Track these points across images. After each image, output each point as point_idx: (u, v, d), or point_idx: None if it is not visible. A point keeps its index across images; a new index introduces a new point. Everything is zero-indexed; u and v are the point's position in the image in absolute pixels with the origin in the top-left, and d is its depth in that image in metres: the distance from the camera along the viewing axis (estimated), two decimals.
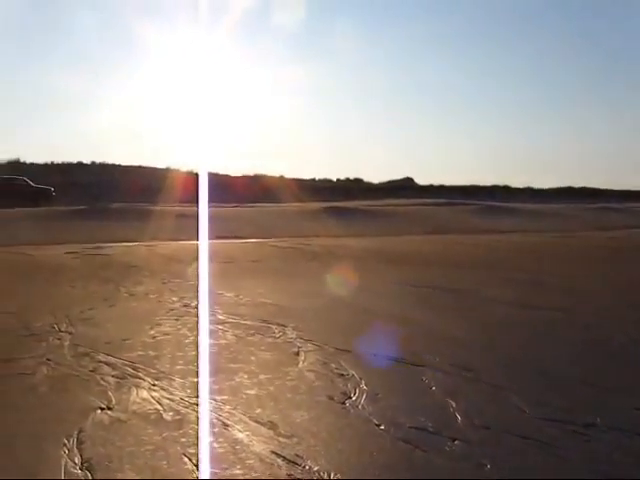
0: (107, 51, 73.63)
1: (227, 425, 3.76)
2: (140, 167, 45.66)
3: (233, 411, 4.00)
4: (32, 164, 42.56)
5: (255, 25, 65.27)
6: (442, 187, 62.62)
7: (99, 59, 69.18)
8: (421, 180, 67.74)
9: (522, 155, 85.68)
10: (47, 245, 15.82)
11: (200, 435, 3.60)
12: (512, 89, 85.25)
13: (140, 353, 5.40)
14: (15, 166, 41.14)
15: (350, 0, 74.80)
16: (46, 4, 70.03)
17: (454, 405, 4.15)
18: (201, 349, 5.52)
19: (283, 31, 72.40)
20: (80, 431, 3.63)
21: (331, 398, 4.30)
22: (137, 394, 4.32)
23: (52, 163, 43.59)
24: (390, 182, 63.91)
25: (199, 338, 5.88)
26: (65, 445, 3.44)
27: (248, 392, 4.41)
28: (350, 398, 4.30)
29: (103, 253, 14.01)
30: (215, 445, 3.48)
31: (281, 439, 3.58)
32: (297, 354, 5.46)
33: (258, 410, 4.03)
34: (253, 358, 5.31)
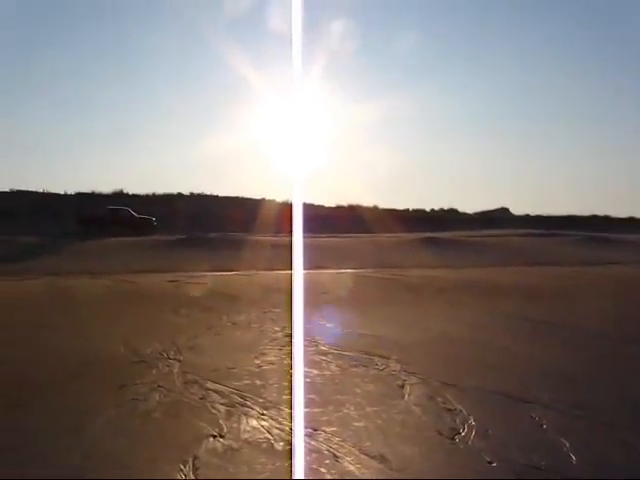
0: (206, 86, 75.78)
1: (337, 457, 3.77)
2: (237, 198, 46.68)
3: (342, 443, 4.01)
4: (135, 195, 44.19)
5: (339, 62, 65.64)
6: (539, 217, 61.05)
7: (198, 96, 71.24)
8: (517, 210, 66.30)
9: (624, 183, 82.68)
10: (149, 273, 16.29)
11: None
12: (613, 116, 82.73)
13: (247, 382, 5.48)
14: (119, 197, 42.86)
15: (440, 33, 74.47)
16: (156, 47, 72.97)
17: (567, 444, 4.03)
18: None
19: (368, 62, 72.83)
20: (195, 457, 3.71)
21: (440, 433, 4.26)
22: (247, 423, 4.39)
23: (153, 194, 45.14)
24: (485, 212, 62.88)
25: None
26: (182, 470, 3.53)
27: (356, 424, 4.41)
28: (459, 433, 4.24)
29: (203, 282, 14.30)
30: (327, 477, 3.49)
31: (392, 473, 3.56)
32: (402, 387, 5.42)
33: (367, 443, 4.03)
34: (358, 390, 5.30)
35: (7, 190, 44.25)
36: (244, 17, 67.70)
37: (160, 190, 46.42)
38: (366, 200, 53.33)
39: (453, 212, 61.27)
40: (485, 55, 77.62)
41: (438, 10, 68.63)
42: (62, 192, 45.20)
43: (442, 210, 62.23)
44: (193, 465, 3.60)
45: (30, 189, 44.59)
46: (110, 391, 5.17)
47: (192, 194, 46.82)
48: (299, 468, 3.59)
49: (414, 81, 73.06)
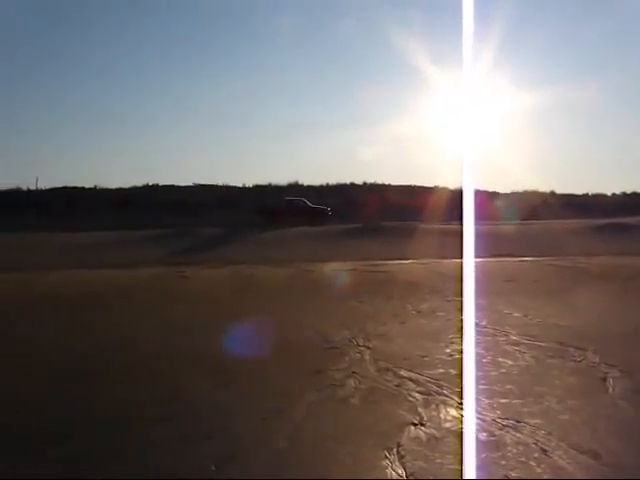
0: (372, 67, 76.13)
1: (546, 451, 3.61)
2: (409, 186, 46.57)
3: (549, 436, 3.84)
4: (309, 186, 45.23)
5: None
6: None
7: (370, 87, 71.59)
8: None
9: None
10: (327, 262, 16.55)
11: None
12: None
13: (441, 371, 5.41)
14: (294, 188, 44.07)
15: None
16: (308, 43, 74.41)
17: None
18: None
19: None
20: (399, 445, 3.69)
21: None
22: (446, 412, 4.31)
23: (327, 184, 46.03)
24: None
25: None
26: (387, 457, 3.51)
27: (561, 417, 4.21)
28: None
29: (381, 270, 14.34)
30: (537, 471, 3.36)
31: (606, 470, 3.36)
32: (604, 380, 5.13)
33: (575, 437, 3.83)
34: (558, 382, 5.08)
35: (190, 184, 46.82)
36: (415, 4, 67.37)
37: (333, 180, 47.26)
38: (542, 186, 51.28)
39: (637, 196, 57.41)
40: None
41: None
42: (241, 185, 47.19)
43: (624, 194, 58.48)
44: (398, 453, 3.58)
45: (211, 183, 46.90)
46: (307, 376, 5.28)
47: (365, 183, 47.25)
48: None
49: (591, 67, 69.46)
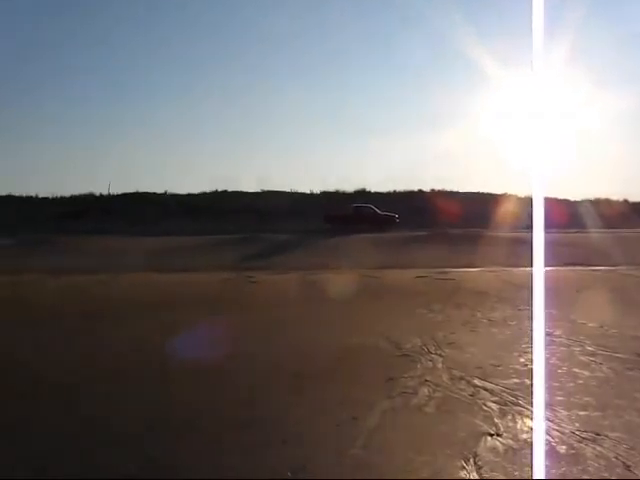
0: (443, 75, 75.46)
1: (629, 466, 3.52)
2: (477, 193, 46.03)
3: (632, 451, 3.74)
4: (377, 193, 45.17)
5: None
6: None
7: (434, 91, 71.02)
8: None
9: None
10: (393, 269, 16.48)
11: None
12: None
13: (515, 380, 5.33)
14: (361, 195, 44.10)
15: None
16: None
17: None
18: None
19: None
20: (475, 455, 3.65)
21: None
22: (523, 423, 4.25)
23: (394, 191, 45.86)
24: None
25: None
26: (464, 467, 3.48)
27: None
28: None
29: (449, 278, 14.19)
30: None
31: None
32: None
33: None
34: (638, 395, 4.93)
35: (259, 190, 47.30)
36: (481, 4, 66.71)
37: (400, 187, 47.03)
38: (615, 194, 49.86)
39: None
40: None
41: None
42: (308, 192, 47.45)
43: None
44: (475, 463, 3.54)
45: (279, 189, 47.29)
46: (379, 383, 5.27)
47: (432, 190, 46.86)
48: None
49: None
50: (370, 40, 75.62)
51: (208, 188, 48.58)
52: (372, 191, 46.45)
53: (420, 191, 46.95)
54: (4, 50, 67.86)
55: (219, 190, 48.11)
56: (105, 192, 48.60)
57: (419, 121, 77.58)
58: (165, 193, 48.14)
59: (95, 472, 3.57)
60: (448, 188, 47.52)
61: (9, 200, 45.95)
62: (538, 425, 4.14)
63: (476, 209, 38.15)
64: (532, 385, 5.15)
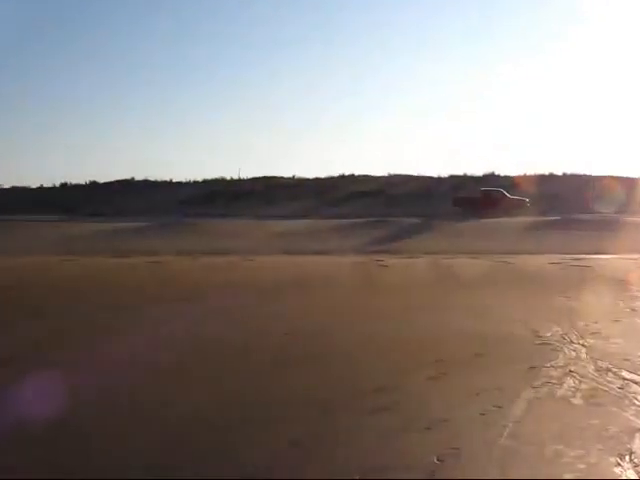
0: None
1: None
2: (612, 177, 43.79)
3: None
4: (506, 176, 43.82)
5: None
6: None
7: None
8: None
9: None
10: (526, 254, 16.03)
11: None
12: None
13: None
14: (490, 178, 42.90)
15: None
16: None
17: None
18: None
19: None
20: (631, 452, 3.48)
21: None
22: None
23: (524, 175, 44.34)
24: None
25: None
26: (619, 464, 3.33)
27: None
28: None
29: (584, 264, 13.65)
30: None
31: None
32: None
33: None
34: None
35: (386, 174, 47.03)
36: None
37: (532, 171, 45.46)
38: None
39: None
40: None
41: None
42: (436, 175, 46.73)
43: None
44: (631, 460, 3.38)
45: (406, 173, 46.87)
46: (521, 372, 5.14)
47: (564, 174, 44.98)
48: None
49: None
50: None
51: (335, 172, 48.82)
52: (502, 175, 45.14)
53: (551, 175, 45.13)
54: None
55: (346, 174, 48.22)
56: (235, 176, 49.81)
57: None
58: (293, 177, 48.75)
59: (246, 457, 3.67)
60: (580, 172, 45.50)
61: (145, 184, 48.00)
62: None
63: (611, 193, 36.38)
64: None
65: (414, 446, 3.60)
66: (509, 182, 40.43)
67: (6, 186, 49.07)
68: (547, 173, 45.38)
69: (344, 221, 26.55)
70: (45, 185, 49.54)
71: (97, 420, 4.16)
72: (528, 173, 45.06)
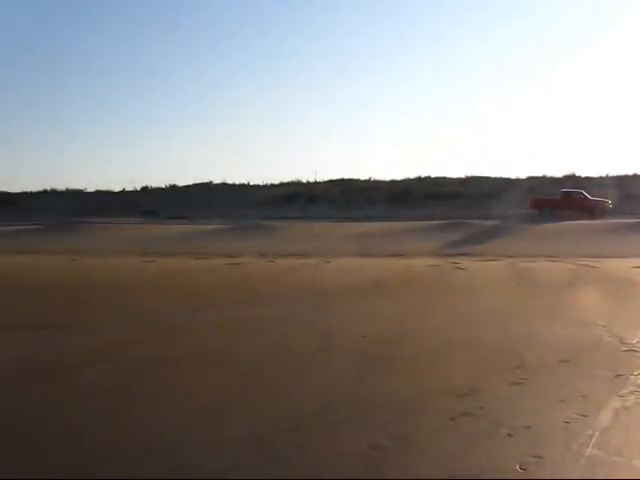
0: None
1: None
2: None
3: None
4: (587, 177, 42.66)
5: None
6: None
7: None
8: None
9: None
10: (610, 258, 15.59)
11: None
12: None
13: None
14: (570, 179, 41.83)
15: None
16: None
17: None
18: None
19: None
20: None
21: None
22: None
23: (606, 176, 43.08)
24: None
25: None
26: None
27: None
28: None
29: None
30: None
31: None
32: None
33: None
34: None
35: (463, 176, 46.54)
36: None
37: (614, 172, 44.12)
38: None
39: None
40: None
41: None
42: (514, 177, 45.92)
43: None
44: None
45: (482, 175, 46.23)
46: (606, 380, 4.98)
47: None
48: None
49: None
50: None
51: (411, 174, 48.66)
52: (582, 176, 43.98)
53: (635, 175, 43.65)
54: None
55: (422, 176, 47.97)
56: (312, 179, 50.23)
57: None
58: (369, 179, 48.81)
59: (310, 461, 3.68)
60: None
61: (225, 187, 48.91)
62: None
63: None
64: None
65: (496, 453, 3.54)
66: (590, 183, 39.36)
67: (90, 190, 50.99)
68: (630, 173, 43.95)
69: (420, 223, 26.39)
70: (127, 189, 51.26)
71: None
72: (610, 174, 43.78)
